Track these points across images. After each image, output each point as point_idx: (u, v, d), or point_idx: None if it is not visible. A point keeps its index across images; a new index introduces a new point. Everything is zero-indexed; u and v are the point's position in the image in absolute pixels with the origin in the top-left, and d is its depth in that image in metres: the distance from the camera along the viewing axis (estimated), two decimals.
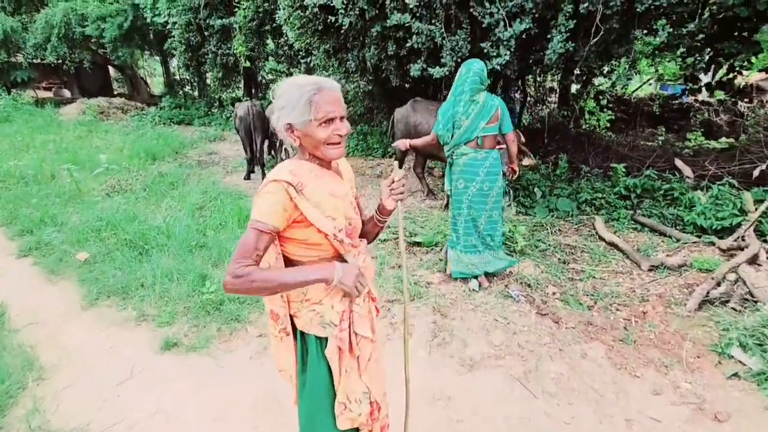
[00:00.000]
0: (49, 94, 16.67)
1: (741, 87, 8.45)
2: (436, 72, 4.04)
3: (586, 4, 3.64)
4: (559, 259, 3.82)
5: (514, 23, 3.77)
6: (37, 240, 3.99)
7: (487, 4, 3.84)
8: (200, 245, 3.85)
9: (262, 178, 6.32)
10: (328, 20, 4.76)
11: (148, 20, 10.53)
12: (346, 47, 5.45)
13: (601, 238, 4.13)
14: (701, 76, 7.02)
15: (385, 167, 7.02)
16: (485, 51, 3.86)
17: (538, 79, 7.61)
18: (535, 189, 5.14)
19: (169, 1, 9.57)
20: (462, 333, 2.79)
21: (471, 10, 3.90)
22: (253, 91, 11.81)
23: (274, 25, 7.50)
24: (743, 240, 3.56)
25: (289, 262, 1.30)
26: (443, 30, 3.98)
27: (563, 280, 3.47)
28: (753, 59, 5.84)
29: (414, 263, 3.73)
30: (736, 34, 5.06)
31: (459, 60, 3.99)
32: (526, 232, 4.24)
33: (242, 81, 11.67)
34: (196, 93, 14.23)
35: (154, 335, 2.78)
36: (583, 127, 7.44)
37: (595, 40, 3.75)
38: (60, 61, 12.98)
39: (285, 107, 1.20)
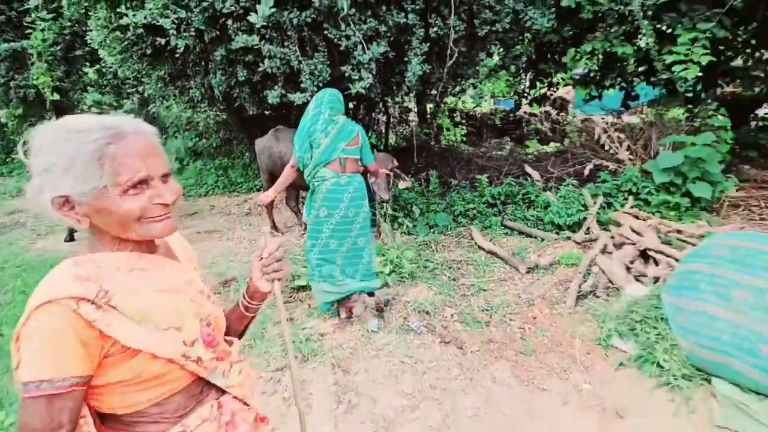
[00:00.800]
0: None
1: (554, 99, 10.22)
2: (297, 98, 3.71)
3: (435, 29, 3.76)
4: (449, 276, 3.81)
5: (371, 46, 3.69)
6: None
7: (342, 26, 3.68)
8: None
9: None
10: (158, 43, 4.04)
11: None
12: (186, 73, 4.74)
13: (480, 248, 4.29)
14: (528, 91, 8.24)
15: (253, 204, 6.36)
16: (347, 74, 3.69)
17: (397, 100, 7.92)
18: (413, 208, 5.18)
19: None
20: (369, 388, 2.45)
21: (326, 32, 3.70)
22: None
23: (88, 49, 6.23)
24: (591, 232, 4.06)
25: (113, 421, 0.80)
26: (299, 53, 3.69)
27: (457, 299, 3.43)
28: (563, 76, 7.04)
29: (301, 313, 3.27)
30: (549, 56, 5.99)
31: (320, 85, 3.73)
32: (414, 254, 4.17)
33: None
34: None
35: None
36: (443, 142, 7.98)
37: (452, 61, 3.91)
38: None
39: (51, 170, 0.72)
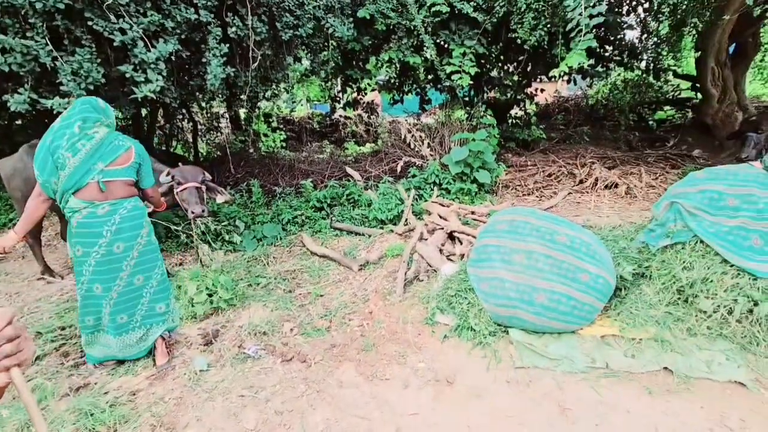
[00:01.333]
0: None
1: (365, 103, 11.03)
2: (56, 104, 2.89)
3: (234, 29, 3.50)
4: (284, 289, 3.64)
5: (157, 43, 3.18)
6: None
7: (113, 18, 3.05)
8: None
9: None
10: None
11: None
12: None
13: (313, 253, 4.26)
14: (340, 96, 8.63)
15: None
16: (129, 76, 3.08)
17: (204, 105, 7.19)
18: (237, 221, 4.79)
19: None
20: None
21: (90, 23, 3.00)
22: None
23: None
24: (408, 223, 4.50)
25: None
26: (50, 47, 2.88)
27: (295, 311, 3.30)
28: (369, 82, 7.61)
29: (101, 375, 2.60)
30: (354, 63, 6.38)
31: (90, 87, 3.01)
32: (242, 272, 3.85)
33: None
34: None
35: None
36: (262, 149, 7.65)
37: (255, 64, 3.70)
38: None
39: None
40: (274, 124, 8.32)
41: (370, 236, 4.46)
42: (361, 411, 2.26)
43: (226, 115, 7.94)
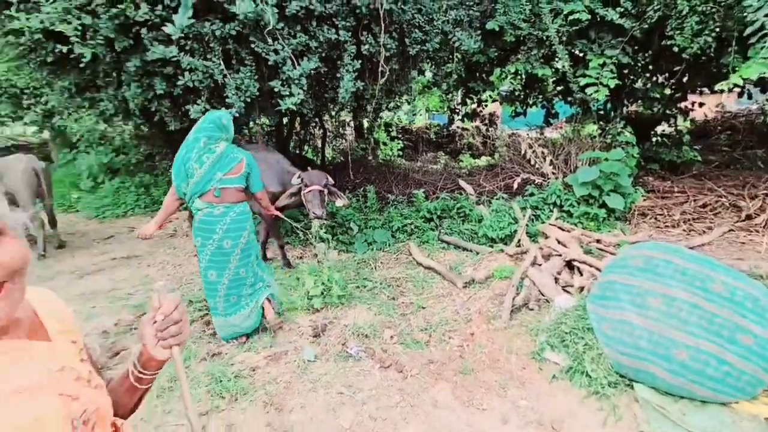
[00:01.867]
0: None
1: (483, 116, 10.79)
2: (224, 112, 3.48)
3: (367, 46, 3.75)
4: (388, 295, 3.75)
5: (302, 61, 3.58)
6: None
7: (270, 41, 3.53)
8: None
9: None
10: (59, 50, 3.60)
11: None
12: (95, 85, 4.27)
13: (419, 264, 4.30)
14: (459, 107, 8.60)
15: (180, 222, 5.88)
16: (276, 90, 3.53)
17: (334, 114, 7.85)
18: (351, 224, 5.09)
19: None
20: (305, 427, 2.28)
21: (253, 46, 3.53)
22: None
23: None
24: (522, 244, 4.24)
25: None
26: (223, 66, 3.47)
27: (396, 318, 3.37)
28: (491, 94, 7.43)
29: (230, 345, 3.01)
30: (477, 75, 6.29)
31: (248, 99, 3.54)
32: (351, 273, 4.07)
33: None
34: None
35: None
36: (380, 157, 8.02)
37: (384, 79, 3.91)
38: None
39: None
40: (393, 133, 8.66)
41: (478, 253, 4.32)
42: None
43: (352, 124, 8.54)
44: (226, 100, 3.51)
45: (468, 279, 3.78)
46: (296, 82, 3.50)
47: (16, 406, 0.62)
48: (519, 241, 4.27)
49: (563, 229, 4.17)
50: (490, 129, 9.30)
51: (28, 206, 4.82)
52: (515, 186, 5.07)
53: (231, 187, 2.78)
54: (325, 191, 3.85)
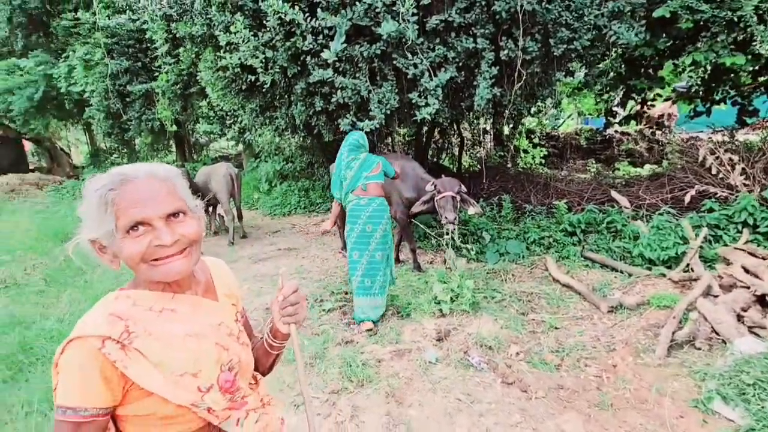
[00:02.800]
0: None
1: (650, 117, 9.23)
2: (366, 125, 3.85)
3: (506, 51, 3.67)
4: (517, 309, 3.56)
5: (439, 73, 3.71)
6: None
7: (409, 56, 3.77)
8: None
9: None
10: (250, 79, 4.51)
11: (63, 90, 9.86)
12: (273, 105, 5.20)
13: (556, 280, 3.96)
14: (617, 109, 7.57)
15: (319, 232, 6.65)
16: (413, 101, 3.74)
17: (473, 122, 7.81)
18: (484, 233, 4.99)
19: (86, 70, 9.03)
20: (421, 425, 2.35)
21: (394, 62, 3.82)
22: (187, 153, 11.25)
23: (200, 86, 7.17)
24: (691, 270, 3.51)
25: None
26: (368, 83, 3.84)
27: (525, 335, 3.18)
28: (660, 92, 6.34)
29: (362, 336, 3.29)
30: (642, 71, 5.45)
31: (388, 112, 3.84)
32: (480, 283, 4.00)
33: (174, 145, 11.10)
34: (125, 160, 13.35)
35: None
36: (520, 165, 7.63)
37: (519, 84, 3.77)
38: None
39: (82, 216, 0.82)
40: (536, 140, 8.14)
41: (630, 275, 3.75)
42: None
43: (490, 132, 8.36)
44: (370, 113, 3.88)
45: (615, 303, 3.32)
46: (432, 92, 3.65)
47: (186, 345, 0.84)
48: (688, 265, 3.55)
49: (755, 255, 3.30)
50: (658, 132, 7.93)
51: (225, 203, 6.16)
52: (687, 199, 4.22)
53: (373, 182, 3.47)
54: (458, 198, 3.88)
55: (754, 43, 3.68)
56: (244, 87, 5.13)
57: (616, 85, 5.68)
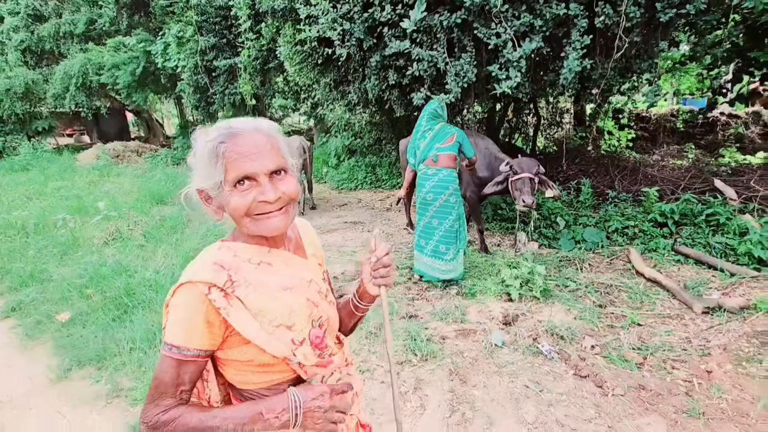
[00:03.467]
0: (70, 141, 17.26)
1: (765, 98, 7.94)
2: (441, 98, 3.73)
3: (602, 18, 3.31)
4: (594, 301, 3.33)
5: (523, 43, 3.46)
6: (19, 299, 3.72)
7: (492, 25, 3.55)
8: None
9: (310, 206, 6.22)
10: (326, 53, 4.56)
11: (159, 65, 10.77)
12: (347, 79, 5.24)
13: (640, 274, 3.63)
14: (728, 87, 6.59)
15: (394, 201, 6.67)
16: (494, 74, 3.54)
17: (551, 100, 7.26)
18: (558, 219, 4.70)
19: (179, 46, 9.77)
20: (486, 406, 2.31)
21: (475, 32, 3.62)
22: None
23: (278, 62, 7.43)
24: None
25: (235, 391, 0.92)
26: (446, 55, 3.70)
27: (601, 329, 2.97)
28: None
29: (426, 312, 3.29)
30: (766, 41, 4.65)
31: (464, 85, 3.68)
32: (552, 270, 3.79)
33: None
34: None
35: (126, 416, 2.40)
36: (603, 148, 7.00)
37: (619, 54, 3.39)
38: (78, 108, 13.39)
39: (192, 167, 0.86)
40: (624, 121, 7.39)
41: (732, 275, 3.32)
42: None
43: (571, 110, 7.73)
44: (446, 86, 3.74)
45: (713, 304, 2.97)
46: (515, 64, 3.41)
47: (281, 298, 0.87)
48: None
49: None
50: None
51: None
52: None
53: (445, 154, 3.52)
54: (536, 180, 3.67)
55: None
56: (320, 61, 5.21)
57: (731, 59, 4.91)
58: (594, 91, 4.16)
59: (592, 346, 2.77)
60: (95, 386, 2.65)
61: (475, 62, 3.69)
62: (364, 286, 1.00)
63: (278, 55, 6.74)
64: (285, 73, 8.95)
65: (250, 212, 0.83)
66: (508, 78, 3.45)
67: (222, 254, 0.87)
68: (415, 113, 4.51)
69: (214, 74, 9.87)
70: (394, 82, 4.34)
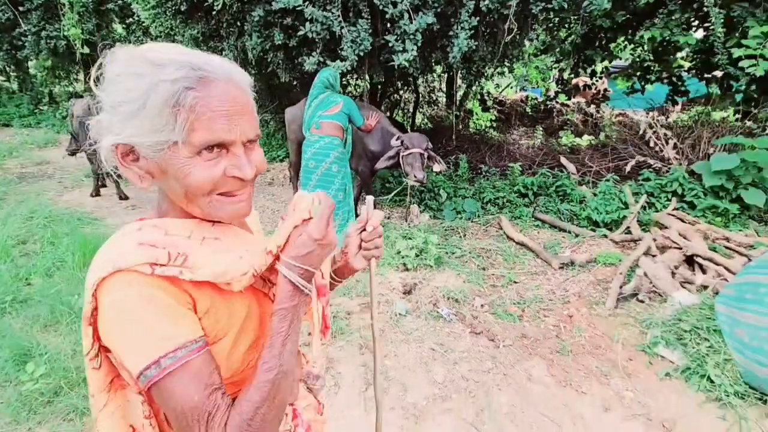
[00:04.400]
0: None
1: (584, 92, 9.81)
2: (337, 66, 3.53)
3: (486, 2, 3.52)
4: (477, 265, 3.68)
5: (417, 16, 3.47)
6: None
7: None
8: (20, 300, 2.69)
9: (118, 194, 5.03)
10: None
11: None
12: (219, 34, 4.57)
13: (510, 238, 4.14)
14: (563, 80, 7.89)
15: (277, 173, 6.24)
16: (390, 45, 3.49)
17: (429, 78, 7.65)
18: (440, 191, 5.03)
19: None
20: (399, 373, 2.36)
21: None
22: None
23: (121, 2, 6.06)
24: (629, 232, 3.87)
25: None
26: (341, 18, 3.48)
27: (487, 289, 3.31)
28: (606, 64, 6.69)
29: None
30: (597, 43, 5.66)
31: (360, 53, 3.54)
32: (440, 239, 4.04)
33: (81, 72, 9.46)
34: (14, 86, 11.18)
35: None
36: (471, 127, 7.72)
37: (509, 37, 3.66)
38: None
39: (118, 108, 0.58)
40: (490, 103, 8.25)
41: (577, 236, 4.04)
42: (550, 413, 2.13)
43: (443, 90, 8.28)
44: (341, 52, 3.55)
45: (566, 260, 3.56)
46: (411, 37, 3.42)
47: (243, 263, 0.67)
48: (628, 228, 3.90)
49: (683, 221, 3.72)
50: (593, 106, 8.47)
51: None
52: (628, 169, 4.58)
53: (327, 122, 3.50)
54: (425, 155, 3.80)
55: (710, 23, 3.93)
56: (183, 8, 4.41)
57: (571, 54, 5.85)
58: (474, 70, 4.46)
59: (482, 305, 3.07)
60: None
61: (370, 30, 3.57)
62: (346, 260, 0.86)
63: None
64: (129, 19, 7.38)
65: (215, 189, 0.61)
66: (404, 51, 3.44)
67: (146, 234, 0.62)
68: (306, 79, 4.20)
69: (22, 8, 7.57)
70: (279, 43, 3.94)
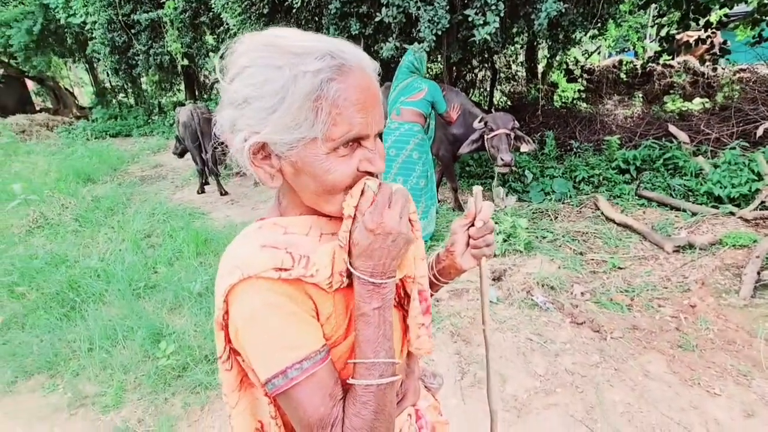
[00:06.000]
0: None
1: (691, 49, 8.45)
2: (415, 48, 3.44)
3: None
4: (573, 249, 3.40)
5: None
6: None
7: None
8: (150, 286, 3.09)
9: (219, 190, 5.52)
10: (275, 0, 4.03)
11: (62, 22, 9.18)
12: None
13: (610, 219, 3.76)
14: (652, 44, 6.89)
15: None
16: (470, 19, 3.31)
17: (507, 52, 7.19)
18: (526, 172, 4.72)
19: None
20: (495, 363, 2.27)
21: None
22: (197, 92, 10.71)
23: (211, 14, 6.58)
24: (765, 208, 3.28)
25: None
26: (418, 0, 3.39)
27: (586, 275, 3.04)
28: (722, 12, 5.69)
29: None
30: None
31: (439, 33, 3.41)
32: (528, 223, 3.80)
33: (183, 82, 10.53)
34: (131, 100, 12.85)
35: (98, 425, 2.07)
36: (556, 101, 7.13)
37: None
38: None
39: (251, 103, 0.55)
40: (577, 73, 7.54)
41: (694, 214, 3.53)
42: (676, 415, 1.89)
43: (523, 63, 7.73)
44: (419, 34, 3.46)
45: (683, 242, 3.13)
46: (493, 8, 3.20)
47: None
48: (763, 203, 3.30)
49: None
50: (708, 63, 7.28)
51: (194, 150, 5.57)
52: (759, 133, 3.87)
53: (408, 108, 3.38)
54: (512, 135, 3.58)
55: None
56: (266, 10, 4.63)
57: (682, 3, 5.03)
58: (561, 38, 4.08)
59: (582, 293, 2.82)
60: (50, 397, 2.26)
61: (447, 7, 3.42)
62: (452, 259, 0.78)
63: (212, 6, 5.94)
64: (219, 29, 8.00)
65: (351, 185, 0.59)
66: (485, 24, 3.24)
67: (266, 234, 0.62)
68: (384, 67, 4.19)
69: (133, 31, 8.61)
70: (356, 33, 3.96)
